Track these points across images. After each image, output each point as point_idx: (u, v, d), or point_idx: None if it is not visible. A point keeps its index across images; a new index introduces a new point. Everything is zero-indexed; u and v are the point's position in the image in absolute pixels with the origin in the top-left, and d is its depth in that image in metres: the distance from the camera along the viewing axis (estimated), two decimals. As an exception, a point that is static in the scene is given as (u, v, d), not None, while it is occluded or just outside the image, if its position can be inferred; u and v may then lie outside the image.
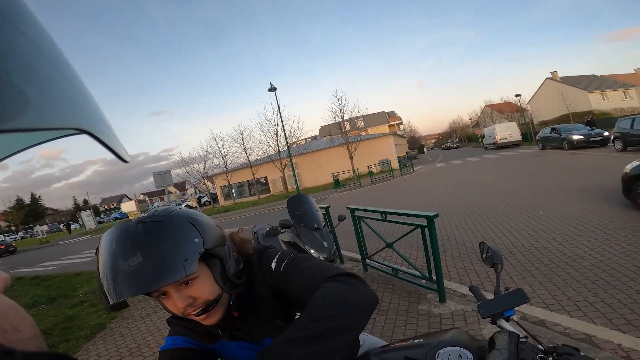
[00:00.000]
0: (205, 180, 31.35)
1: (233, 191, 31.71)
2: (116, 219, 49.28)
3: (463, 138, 62.36)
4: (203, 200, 36.76)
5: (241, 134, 28.70)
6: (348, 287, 0.66)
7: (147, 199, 77.29)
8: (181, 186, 69.95)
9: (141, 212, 33.28)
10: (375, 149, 27.23)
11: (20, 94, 0.22)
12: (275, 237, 3.40)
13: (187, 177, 31.27)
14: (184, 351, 0.81)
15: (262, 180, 30.46)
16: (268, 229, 3.54)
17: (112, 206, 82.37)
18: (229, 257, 0.78)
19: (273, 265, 0.80)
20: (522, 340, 0.78)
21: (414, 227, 3.38)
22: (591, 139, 14.76)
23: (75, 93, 0.29)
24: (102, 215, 62.87)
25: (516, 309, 0.90)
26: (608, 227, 4.19)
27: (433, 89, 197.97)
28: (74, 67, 0.31)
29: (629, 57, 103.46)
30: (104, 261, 0.65)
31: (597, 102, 36.50)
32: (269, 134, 26.54)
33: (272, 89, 18.47)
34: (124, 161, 0.35)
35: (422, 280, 3.40)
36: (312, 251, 2.99)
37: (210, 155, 29.70)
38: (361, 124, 33.82)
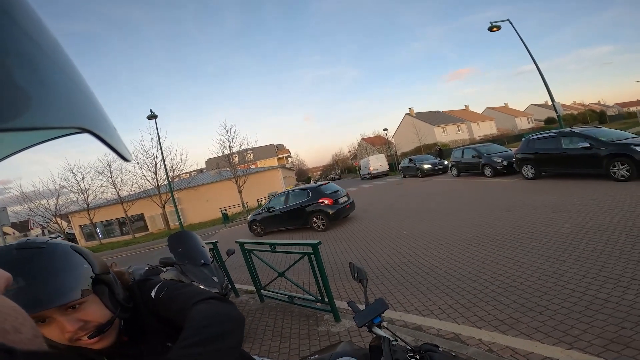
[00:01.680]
0: (58, 219, 25.34)
1: (98, 230, 26.59)
2: None
3: (344, 169, 68.42)
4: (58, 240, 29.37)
5: (109, 165, 24.58)
6: (217, 306, 0.74)
7: (-38, 250, 57.27)
8: (21, 227, 54.66)
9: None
10: (264, 181, 27.40)
11: (23, 93, 0.22)
12: (156, 276, 3.07)
13: (31, 215, 24.71)
14: None
15: (137, 217, 26.62)
16: (147, 268, 3.22)
17: None
18: (115, 284, 0.82)
19: (153, 294, 0.84)
20: (393, 342, 0.95)
21: (301, 255, 3.57)
22: (436, 168, 18.50)
23: (78, 92, 0.29)
24: None
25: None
26: (451, 240, 5.28)
27: (318, 122, 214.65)
28: (77, 67, 0.31)
29: (462, 95, 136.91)
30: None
31: (440, 135, 45.69)
32: (145, 166, 23.66)
33: (153, 116, 16.71)
34: (126, 160, 0.35)
35: (317, 304, 3.55)
36: (202, 287, 2.82)
37: (65, 190, 24.47)
38: (250, 156, 33.74)
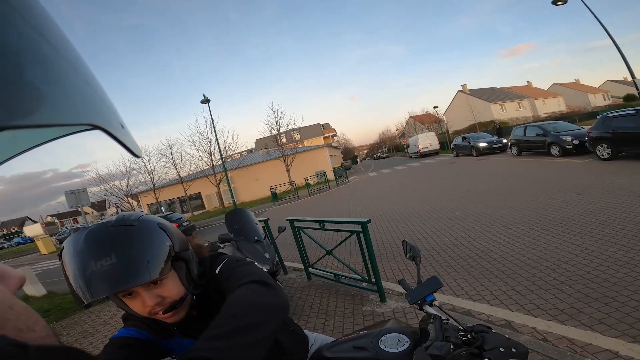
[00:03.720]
0: (129, 199, 28.42)
1: (162, 209, 29.33)
2: (19, 244, 41.97)
3: (392, 148, 66.80)
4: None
5: (170, 148, 26.78)
6: (255, 292, 0.71)
7: (56, 221, 67.05)
8: (99, 206, 62.27)
9: (50, 236, 28.72)
10: (311, 160, 27.73)
11: (36, 91, 0.22)
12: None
13: (107, 195, 28.01)
14: (135, 340, 0.82)
15: (195, 196, 28.79)
16: (206, 245, 3.45)
17: (12, 230, 69.88)
18: (192, 260, 0.85)
19: (217, 270, 0.87)
20: (444, 321, 0.92)
21: (350, 233, 3.56)
22: (494, 146, 17.20)
23: (89, 89, 0.30)
24: (1, 240, 53.59)
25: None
26: (510, 223, 4.92)
27: (364, 101, 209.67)
28: (87, 63, 0.32)
29: (523, 70, 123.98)
30: (74, 262, 0.66)
31: (498, 112, 42.32)
32: (201, 147, 25.30)
33: (206, 100, 17.70)
34: (136, 156, 0.37)
35: (363, 283, 3.58)
36: (255, 264, 2.99)
37: (135, 172, 27.16)
38: (297, 136, 34.28)
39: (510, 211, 5.56)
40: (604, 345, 2.05)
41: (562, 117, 30.93)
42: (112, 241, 0.68)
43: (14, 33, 0.22)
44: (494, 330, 0.90)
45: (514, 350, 0.83)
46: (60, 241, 30.26)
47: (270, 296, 0.71)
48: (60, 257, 0.71)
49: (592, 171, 7.67)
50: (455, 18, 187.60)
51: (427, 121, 50.51)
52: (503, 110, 43.14)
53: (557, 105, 46.56)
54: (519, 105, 44.84)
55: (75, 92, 0.27)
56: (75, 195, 9.05)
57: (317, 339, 1.16)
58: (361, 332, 1.06)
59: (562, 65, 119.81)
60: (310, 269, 4.35)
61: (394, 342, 0.93)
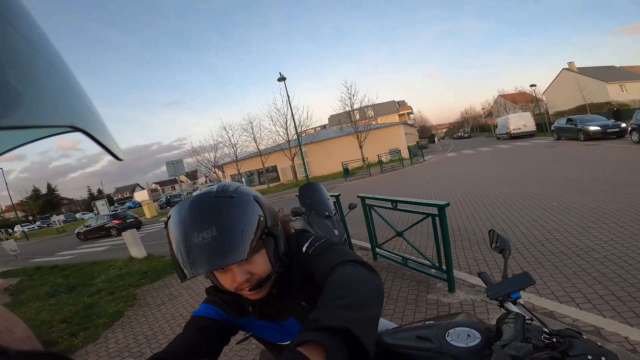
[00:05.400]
0: (216, 169, 31.68)
1: (243, 180, 32.01)
2: (129, 208, 50.21)
3: (475, 128, 61.16)
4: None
5: (250, 123, 28.84)
6: (362, 271, 0.68)
7: (159, 188, 78.36)
8: (192, 175, 70.69)
9: (154, 201, 33.81)
10: (385, 138, 27.02)
11: (14, 91, 0.22)
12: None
13: (198, 166, 31.65)
14: (213, 322, 0.84)
15: (271, 169, 30.64)
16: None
17: (125, 195, 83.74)
18: (280, 237, 0.83)
19: (304, 248, 0.83)
20: (527, 321, 0.82)
21: (424, 215, 3.38)
22: (608, 130, 14.35)
23: (69, 91, 0.29)
24: (116, 204, 63.53)
25: (526, 299, 0.94)
26: (622, 220, 4.14)
27: (445, 78, 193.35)
28: (68, 65, 0.31)
29: None
30: (177, 233, 0.69)
31: (616, 93, 35.32)
32: (278, 123, 26.59)
33: (282, 78, 18.45)
34: (118, 159, 0.35)
35: (432, 270, 3.44)
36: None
37: (221, 145, 29.96)
38: (371, 113, 33.45)
39: (625, 206, 4.66)
40: None
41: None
42: (214, 212, 0.69)
43: None
44: (584, 337, 0.78)
45: (603, 359, 0.71)
46: (161, 206, 35.40)
47: (375, 277, 0.68)
48: (166, 225, 0.73)
49: None
50: None
51: (520, 100, 45.09)
52: (623, 91, 35.71)
53: (697, 87, 36.60)
54: (645, 87, 36.51)
55: (54, 93, 0.26)
56: (173, 165, 10.40)
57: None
58: (427, 322, 1.00)
59: None
60: (377, 249, 4.30)
61: (462, 337, 0.86)
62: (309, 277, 0.81)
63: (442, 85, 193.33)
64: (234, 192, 0.74)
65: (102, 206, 33.22)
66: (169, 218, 0.73)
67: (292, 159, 25.79)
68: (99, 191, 73.38)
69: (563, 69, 41.75)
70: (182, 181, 11.42)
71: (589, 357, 0.71)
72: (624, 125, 14.05)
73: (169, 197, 39.35)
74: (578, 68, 40.42)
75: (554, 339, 0.77)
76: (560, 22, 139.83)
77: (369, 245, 4.50)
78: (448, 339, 0.86)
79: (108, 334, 3.97)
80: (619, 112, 19.59)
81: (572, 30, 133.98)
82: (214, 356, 0.81)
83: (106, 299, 5.25)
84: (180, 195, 37.13)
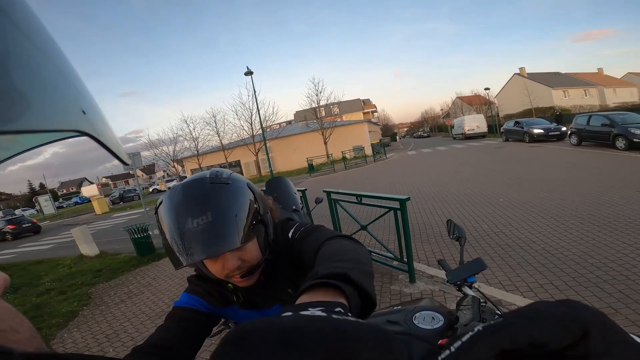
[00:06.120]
0: (175, 164, 30.27)
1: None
2: (76, 203, 46.49)
3: (434, 128, 64.00)
4: (172, 184, 35.66)
5: (214, 117, 27.95)
6: (351, 241, 0.69)
7: (110, 182, 73.30)
8: (148, 169, 66.96)
9: (105, 196, 31.59)
10: (349, 135, 27.46)
11: (22, 95, 0.22)
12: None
13: (156, 159, 30.05)
14: (195, 313, 0.83)
15: (235, 163, 29.95)
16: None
17: (71, 190, 77.32)
18: (270, 225, 0.82)
19: (290, 234, 0.85)
20: (482, 303, 0.94)
21: (387, 209, 3.55)
22: (550, 133, 15.81)
23: (77, 95, 0.29)
24: (60, 200, 58.44)
25: (476, 288, 1.06)
26: (559, 215, 4.64)
27: (409, 79, 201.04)
28: (75, 68, 0.31)
29: (594, 57, 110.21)
30: (171, 219, 0.67)
31: (559, 98, 38.64)
32: (243, 117, 26.02)
33: (249, 72, 18.07)
34: (125, 163, 0.35)
35: (394, 262, 3.62)
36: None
37: (181, 138, 28.70)
38: (336, 110, 33.85)
39: (561, 203, 5.22)
40: None
41: (633, 108, 27.42)
42: (209, 199, 0.68)
43: (1, 37, 0.21)
44: None
45: None
46: (113, 202, 33.17)
47: (363, 248, 0.66)
48: (156, 211, 0.73)
49: (663, 167, 6.88)
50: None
51: (475, 103, 47.84)
52: (566, 97, 39.31)
53: (629, 96, 41.41)
54: (585, 93, 40.63)
55: (62, 97, 0.27)
56: (130, 158, 9.78)
57: None
58: (395, 308, 1.09)
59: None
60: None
61: (428, 320, 0.96)
62: (296, 263, 0.82)
63: (405, 85, 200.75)
64: (229, 179, 0.74)
65: (45, 202, 30.28)
66: (160, 204, 0.72)
67: (257, 154, 25.39)
68: (42, 185, 67.18)
69: (514, 73, 44.71)
70: (137, 176, 10.79)
71: None
72: (564, 128, 15.53)
73: (122, 192, 37.03)
74: (528, 73, 43.50)
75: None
76: (520, 28, 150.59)
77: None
78: (415, 322, 0.96)
79: (64, 334, 3.76)
80: (561, 116, 21.60)
81: (530, 36, 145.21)
82: (196, 348, 0.80)
83: (57, 299, 4.92)
84: (135, 190, 35.07)
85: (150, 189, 41.36)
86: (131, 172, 10.14)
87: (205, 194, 0.69)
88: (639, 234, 3.58)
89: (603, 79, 44.38)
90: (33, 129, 0.22)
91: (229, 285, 0.85)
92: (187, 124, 29.08)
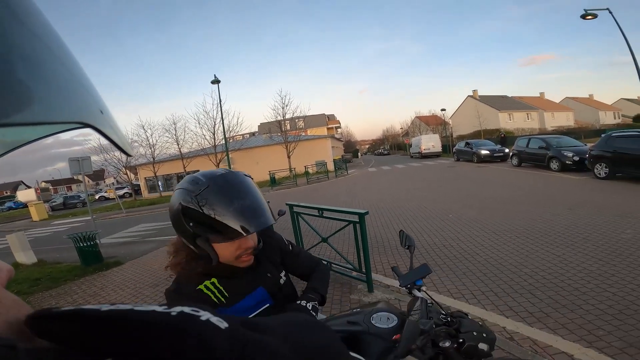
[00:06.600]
0: (127, 171, 28.51)
1: (160, 183, 29.48)
2: (10, 208, 41.80)
3: (394, 145, 66.74)
4: (122, 192, 33.41)
5: (174, 124, 27.05)
6: (326, 267, 1.23)
7: (50, 187, 67.00)
8: (96, 175, 62.25)
9: (45, 202, 28.77)
10: (313, 149, 27.82)
11: (26, 88, 0.22)
12: None
13: (105, 165, 28.05)
14: None
15: (193, 173, 28.93)
16: None
17: (5, 194, 69.43)
18: None
19: (285, 242, 1.17)
20: (429, 304, 1.10)
21: (347, 223, 3.71)
22: (495, 155, 17.33)
23: (80, 87, 0.29)
24: None
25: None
26: (499, 230, 5.13)
27: (373, 96, 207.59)
28: (78, 61, 0.31)
29: (539, 81, 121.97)
30: (227, 197, 0.83)
31: (505, 121, 42.19)
32: (205, 126, 25.44)
33: (216, 81, 17.81)
34: (128, 155, 0.38)
35: (354, 272, 3.78)
36: None
37: (136, 144, 27.19)
38: (301, 124, 34.24)
39: (502, 219, 5.77)
40: (562, 348, 2.26)
41: (568, 132, 30.92)
42: (249, 185, 0.88)
43: (5, 30, 0.22)
44: (469, 317, 1.09)
45: (484, 335, 1.00)
46: (53, 208, 30.27)
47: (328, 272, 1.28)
48: (197, 195, 0.83)
49: (586, 188, 7.88)
50: (481, 21, 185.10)
51: (432, 123, 50.50)
52: (511, 120, 43.06)
53: (565, 120, 46.50)
54: (528, 116, 44.81)
55: (65, 89, 0.27)
56: (78, 162, 9.09)
57: None
58: (355, 310, 1.24)
59: (579, 79, 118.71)
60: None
61: (384, 320, 1.11)
62: (283, 262, 1.14)
63: (370, 103, 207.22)
64: (246, 174, 0.94)
65: (-27, 208, 26.84)
66: (205, 188, 0.84)
67: (218, 165, 24.77)
68: (-32, 189, 59.61)
69: (468, 95, 48.09)
70: (83, 181, 10.07)
71: (474, 333, 1.00)
72: (507, 150, 17.11)
73: (65, 197, 33.93)
74: (480, 96, 46.96)
75: (449, 319, 1.06)
76: (480, 51, 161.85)
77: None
78: (373, 322, 1.11)
79: None
80: (505, 138, 23.74)
81: (486, 59, 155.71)
82: None
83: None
84: (79, 196, 32.21)
85: (97, 196, 38.39)
86: (76, 177, 9.42)
87: (246, 182, 0.88)
88: (566, 247, 4.08)
89: (544, 103, 49.17)
90: (36, 121, 0.23)
91: (206, 285, 0.93)
92: (144, 129, 27.63)
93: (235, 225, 0.82)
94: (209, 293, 0.93)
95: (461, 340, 0.98)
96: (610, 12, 11.37)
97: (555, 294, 3.01)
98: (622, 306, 2.65)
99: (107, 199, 35.86)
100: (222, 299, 0.94)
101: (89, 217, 8.46)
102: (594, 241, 4.15)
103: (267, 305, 1.01)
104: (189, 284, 0.93)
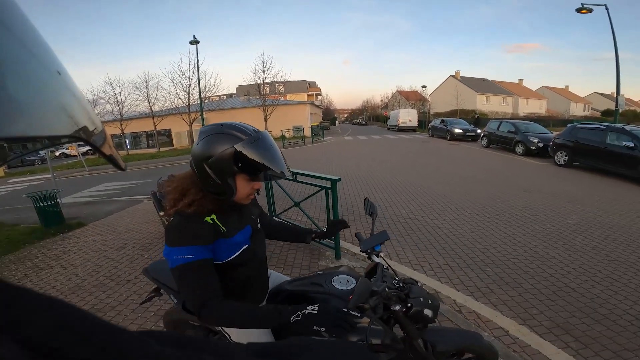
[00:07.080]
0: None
1: (127, 141, 28.11)
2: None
3: (372, 117, 66.85)
4: (85, 148, 31.50)
5: (147, 82, 25.33)
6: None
7: (4, 144, 61.74)
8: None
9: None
10: (291, 114, 27.40)
11: (15, 102, 0.21)
12: None
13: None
14: (211, 262, 1.05)
15: (164, 132, 27.78)
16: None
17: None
18: None
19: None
20: (385, 269, 1.21)
21: (319, 188, 3.78)
22: (467, 134, 17.91)
23: (71, 99, 0.29)
24: None
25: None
26: (461, 206, 5.46)
27: (356, 67, 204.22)
28: (69, 72, 0.30)
29: (521, 68, 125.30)
30: (267, 150, 1.03)
31: (482, 103, 43.39)
32: (180, 85, 24.09)
33: (195, 41, 16.89)
34: (121, 169, 0.36)
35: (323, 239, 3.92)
36: None
37: (102, 101, 25.44)
38: (281, 89, 33.25)
39: (465, 196, 6.12)
40: (500, 324, 2.48)
41: (537, 119, 32.22)
42: (268, 140, 1.06)
43: None
44: (419, 284, 1.22)
45: (430, 302, 1.13)
46: (9, 165, 27.99)
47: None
48: (254, 144, 1.00)
49: (545, 174, 8.44)
50: (475, 5, 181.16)
51: (412, 98, 50.84)
52: (487, 102, 44.24)
53: (538, 107, 48.39)
54: (503, 101, 46.18)
55: (57, 103, 0.26)
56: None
57: (272, 274, 1.49)
58: (318, 273, 1.35)
59: (560, 71, 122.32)
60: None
61: (343, 282, 1.23)
62: (258, 212, 1.39)
63: (352, 73, 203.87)
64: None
65: None
66: (260, 137, 1.03)
67: (191, 124, 23.85)
68: None
69: (450, 75, 48.65)
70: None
71: (421, 299, 1.12)
72: (479, 131, 17.70)
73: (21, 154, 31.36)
74: (461, 77, 47.62)
75: (401, 284, 1.18)
76: (468, 34, 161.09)
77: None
78: (333, 284, 1.23)
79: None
80: (479, 119, 24.55)
81: (473, 42, 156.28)
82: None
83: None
84: (39, 153, 29.93)
85: (57, 153, 35.90)
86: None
87: (266, 137, 1.06)
88: (517, 227, 4.44)
89: (521, 90, 50.69)
90: (26, 135, 0.22)
91: (212, 218, 1.08)
92: (112, 86, 25.68)
93: (276, 169, 1.02)
94: (216, 224, 1.08)
95: (409, 305, 1.08)
96: (607, 10, 11.60)
97: (501, 271, 3.28)
98: (557, 287, 2.94)
99: (68, 155, 33.64)
100: (224, 230, 1.10)
101: (49, 175, 7.93)
102: (543, 223, 4.54)
103: (246, 246, 1.16)
104: (195, 218, 1.05)
